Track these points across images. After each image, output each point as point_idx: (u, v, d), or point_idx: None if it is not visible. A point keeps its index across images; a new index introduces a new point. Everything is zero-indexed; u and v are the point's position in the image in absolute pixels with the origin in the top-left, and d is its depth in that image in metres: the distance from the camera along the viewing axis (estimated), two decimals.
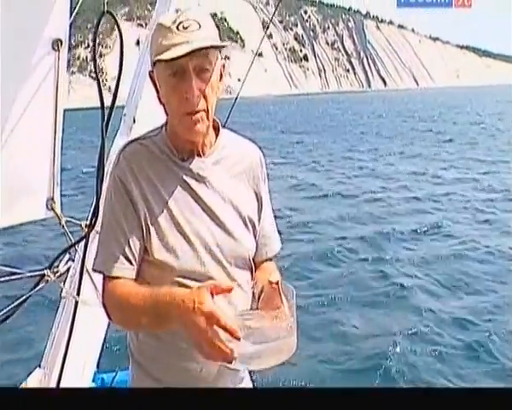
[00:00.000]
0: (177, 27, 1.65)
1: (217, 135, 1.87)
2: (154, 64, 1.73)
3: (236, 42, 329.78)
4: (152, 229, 1.73)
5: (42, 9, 2.40)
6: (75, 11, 2.48)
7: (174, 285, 1.68)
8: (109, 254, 1.74)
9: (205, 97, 1.70)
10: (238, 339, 1.46)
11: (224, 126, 1.95)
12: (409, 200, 15.11)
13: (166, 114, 1.79)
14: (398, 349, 6.20)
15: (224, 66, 1.79)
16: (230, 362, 1.50)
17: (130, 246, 1.72)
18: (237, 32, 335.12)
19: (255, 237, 1.91)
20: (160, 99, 1.78)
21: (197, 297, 1.48)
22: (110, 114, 2.50)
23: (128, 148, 1.82)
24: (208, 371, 1.78)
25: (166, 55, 1.63)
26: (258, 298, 1.73)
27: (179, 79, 1.67)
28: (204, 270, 1.74)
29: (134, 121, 2.81)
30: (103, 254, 1.76)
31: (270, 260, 2.00)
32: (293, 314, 1.56)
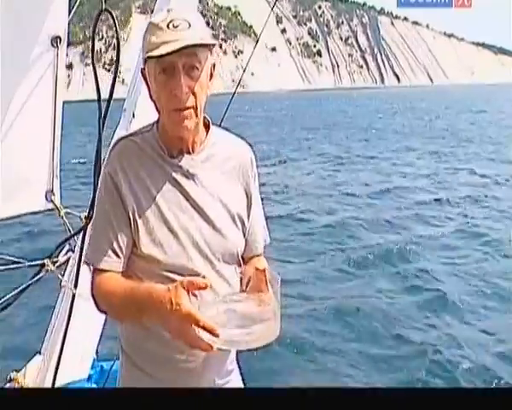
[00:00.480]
0: (168, 26, 1.69)
1: (207, 132, 1.90)
2: (145, 61, 1.77)
3: (250, 36, 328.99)
4: (140, 224, 1.77)
5: (40, 7, 2.46)
6: (74, 9, 2.54)
7: (162, 278, 1.73)
8: (98, 248, 1.79)
9: (193, 94, 1.73)
10: (217, 336, 1.51)
11: (221, 121, 1.97)
12: (428, 202, 14.54)
13: (158, 111, 1.82)
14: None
15: (214, 65, 1.83)
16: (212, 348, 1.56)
17: (117, 240, 1.77)
18: (251, 27, 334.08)
19: (244, 234, 1.93)
20: (151, 96, 1.82)
21: (174, 298, 1.53)
22: (107, 109, 2.55)
23: (119, 144, 1.86)
24: (194, 363, 1.82)
25: (156, 52, 1.67)
26: (246, 286, 1.77)
27: (168, 76, 1.71)
28: (191, 265, 1.77)
29: (133, 116, 2.86)
30: (92, 247, 1.83)
31: (259, 255, 2.02)
32: (278, 299, 1.61)
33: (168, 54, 1.66)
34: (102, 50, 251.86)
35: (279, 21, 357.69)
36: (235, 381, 2.03)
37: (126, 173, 1.79)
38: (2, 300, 2.85)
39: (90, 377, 3.40)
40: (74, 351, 3.14)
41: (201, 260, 1.79)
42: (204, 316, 1.53)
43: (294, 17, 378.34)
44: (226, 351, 1.90)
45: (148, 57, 1.71)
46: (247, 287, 1.77)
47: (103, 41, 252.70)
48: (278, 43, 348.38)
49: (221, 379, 1.94)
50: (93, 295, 1.80)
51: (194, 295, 1.56)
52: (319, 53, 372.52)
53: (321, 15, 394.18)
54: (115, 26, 2.41)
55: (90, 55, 2.61)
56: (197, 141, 1.85)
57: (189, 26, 1.70)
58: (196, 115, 1.77)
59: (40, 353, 3.13)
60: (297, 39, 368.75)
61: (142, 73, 1.84)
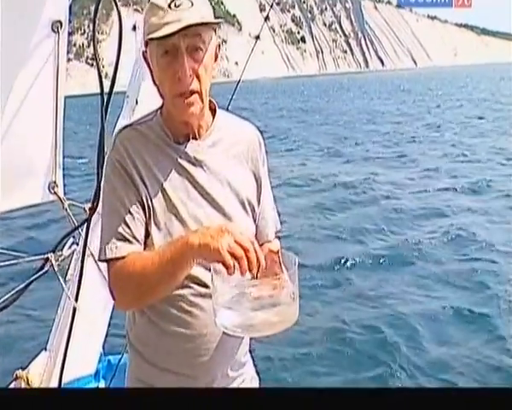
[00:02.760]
0: (169, 6, 1.62)
1: (213, 117, 1.84)
2: (146, 44, 1.70)
3: (233, 25, 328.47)
4: (149, 213, 1.70)
5: None
6: None
7: None
8: (117, 236, 1.68)
9: (198, 77, 1.66)
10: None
11: (227, 108, 1.92)
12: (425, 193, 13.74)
13: (161, 96, 1.75)
14: None
15: (219, 46, 1.76)
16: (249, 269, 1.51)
17: (136, 225, 1.68)
18: (234, 15, 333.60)
19: (255, 220, 1.88)
20: (153, 80, 1.75)
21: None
22: (109, 98, 2.48)
23: (122, 132, 1.79)
24: (207, 356, 1.78)
25: (157, 34, 1.60)
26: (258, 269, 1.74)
27: (172, 59, 1.64)
28: None
29: (137, 103, 2.80)
30: (109, 238, 1.69)
31: (270, 241, 1.94)
32: (295, 282, 1.56)
33: (170, 35, 1.58)
34: (85, 45, 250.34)
35: (262, 9, 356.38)
36: (248, 373, 1.99)
37: (133, 160, 1.72)
38: (6, 296, 2.79)
39: (97, 372, 3.35)
40: (81, 346, 3.09)
41: None
42: (220, 301, 1.52)
43: (278, 4, 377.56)
44: (239, 343, 1.87)
45: (150, 39, 1.64)
46: (258, 270, 1.73)
47: (85, 36, 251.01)
48: (262, 31, 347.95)
49: (234, 372, 1.90)
50: (114, 288, 1.68)
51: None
52: (303, 39, 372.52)
53: (304, 2, 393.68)
54: (118, 11, 2.31)
55: (92, 43, 2.50)
56: (203, 125, 1.79)
57: (192, 4, 1.63)
58: (202, 100, 1.70)
59: (46, 349, 3.08)
60: (280, 26, 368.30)
61: (143, 56, 1.76)
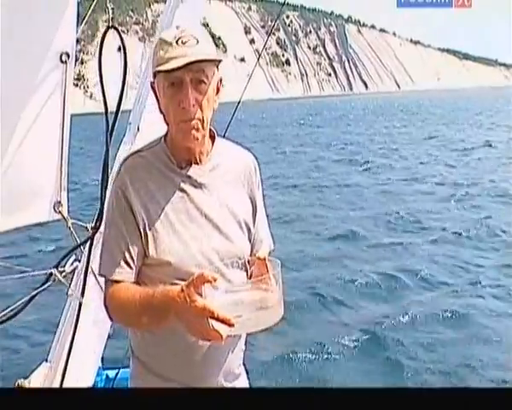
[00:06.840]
0: (177, 42, 1.80)
1: (213, 143, 2.00)
2: (154, 75, 1.88)
3: (218, 47, 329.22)
4: (150, 236, 1.85)
5: (50, 23, 2.55)
6: (82, 25, 2.60)
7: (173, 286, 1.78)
8: (111, 259, 1.87)
9: (200, 107, 1.83)
10: (232, 326, 1.58)
11: (225, 133, 2.06)
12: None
13: (166, 123, 1.92)
14: None
15: (221, 80, 1.94)
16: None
17: (130, 252, 1.85)
18: (219, 38, 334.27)
19: (250, 240, 2.03)
20: (160, 109, 1.92)
21: (188, 297, 1.59)
22: (114, 123, 2.62)
23: (128, 160, 1.96)
24: (202, 367, 1.91)
25: (164, 67, 1.78)
26: (251, 275, 1.87)
27: (177, 90, 1.81)
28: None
29: (138, 130, 2.93)
30: (105, 259, 1.89)
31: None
32: (278, 283, 1.71)
33: (175, 69, 1.76)
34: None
35: (247, 32, 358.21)
36: (242, 384, 2.10)
37: (136, 187, 1.87)
38: (10, 308, 2.90)
39: (95, 386, 3.43)
40: (80, 359, 3.18)
41: (211, 269, 1.83)
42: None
43: (263, 27, 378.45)
44: (231, 353, 1.99)
45: (158, 71, 1.82)
46: (250, 277, 1.86)
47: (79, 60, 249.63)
48: (247, 54, 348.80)
49: (228, 382, 2.01)
50: (107, 307, 1.87)
51: (199, 294, 1.61)
52: (288, 62, 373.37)
53: (289, 25, 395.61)
54: (122, 42, 2.48)
55: (98, 71, 2.68)
56: (204, 152, 1.95)
57: (197, 42, 1.81)
58: (203, 127, 1.86)
59: (47, 360, 3.17)
60: (265, 49, 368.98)
61: (151, 86, 1.93)
